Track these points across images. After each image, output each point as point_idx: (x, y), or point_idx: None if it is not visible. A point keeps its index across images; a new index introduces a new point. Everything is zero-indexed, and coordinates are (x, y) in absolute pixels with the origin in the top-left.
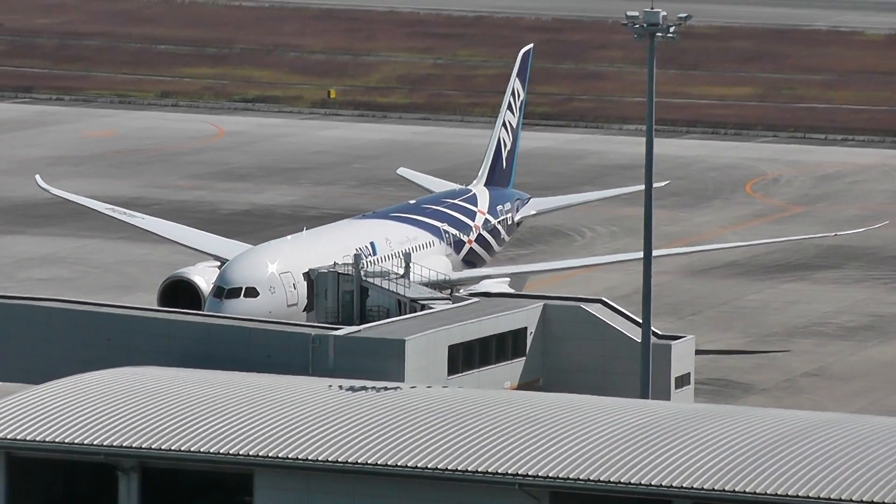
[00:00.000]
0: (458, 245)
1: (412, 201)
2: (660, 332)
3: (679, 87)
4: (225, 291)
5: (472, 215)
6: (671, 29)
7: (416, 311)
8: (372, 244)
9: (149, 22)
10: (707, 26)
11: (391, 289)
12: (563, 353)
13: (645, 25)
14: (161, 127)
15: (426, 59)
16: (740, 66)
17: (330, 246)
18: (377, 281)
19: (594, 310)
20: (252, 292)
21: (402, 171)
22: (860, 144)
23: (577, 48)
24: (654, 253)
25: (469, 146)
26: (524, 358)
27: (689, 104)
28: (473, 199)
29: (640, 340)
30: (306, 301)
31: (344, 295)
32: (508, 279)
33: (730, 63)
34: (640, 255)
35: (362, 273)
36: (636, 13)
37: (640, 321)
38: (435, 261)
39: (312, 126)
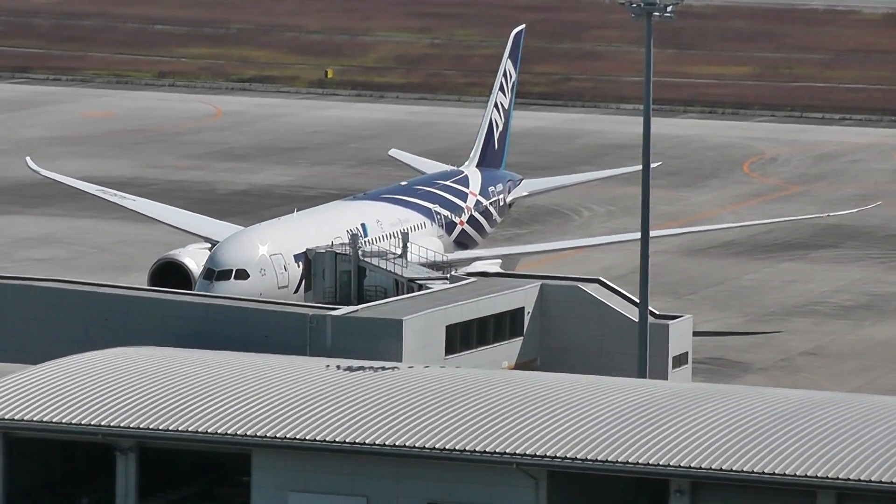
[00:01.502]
0: (449, 226)
1: (403, 183)
2: (657, 312)
3: (676, 66)
4: (215, 273)
5: (463, 197)
6: (668, 8)
7: (413, 291)
8: (363, 226)
9: (146, 2)
10: (704, 5)
11: (389, 269)
12: (561, 333)
13: (642, 5)
14: (158, 107)
15: (423, 39)
16: (738, 45)
17: (321, 227)
18: (375, 261)
19: (591, 289)
20: (242, 274)
21: (393, 152)
22: (858, 123)
23: (574, 28)
24: (634, 236)
25: (466, 126)
26: (521, 338)
27: (686, 83)
28: (465, 181)
29: (637, 320)
30: (297, 283)
31: (341, 275)
32: (500, 260)
33: (727, 42)
34: (632, 236)
35: (360, 253)
36: None
37: (638, 301)
38: (426, 242)
39: (309, 106)
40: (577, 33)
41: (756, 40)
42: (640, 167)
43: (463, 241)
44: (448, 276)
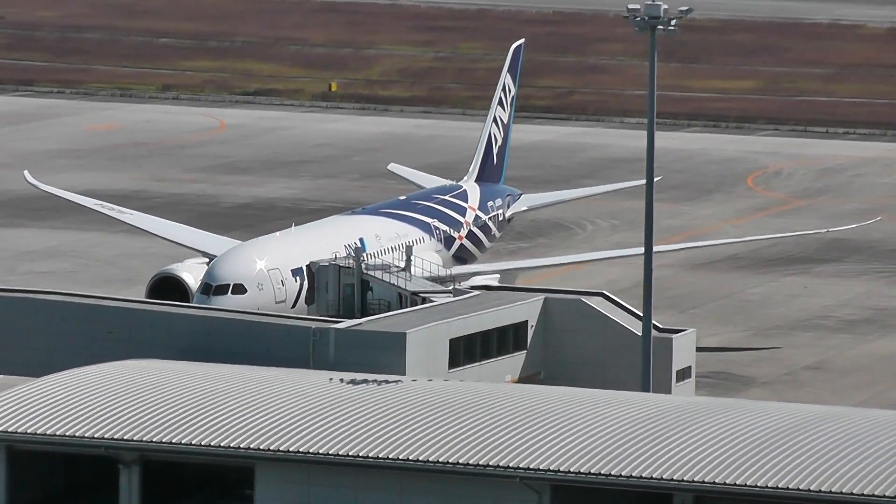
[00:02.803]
0: (448, 241)
1: (402, 197)
2: (661, 326)
3: (680, 80)
4: (212, 288)
5: (462, 211)
6: (672, 22)
7: (417, 305)
8: (361, 240)
9: (150, 15)
10: (708, 19)
11: (392, 282)
12: (564, 347)
13: (646, 18)
14: (162, 120)
15: (427, 53)
16: (742, 59)
17: (318, 242)
18: (378, 274)
19: (595, 303)
20: (240, 289)
21: (392, 166)
22: (861, 138)
23: (578, 41)
24: (635, 251)
25: (470, 139)
26: (525, 351)
27: (690, 97)
28: (464, 196)
29: (640, 334)
30: (294, 298)
31: (345, 288)
32: (498, 275)
33: (731, 56)
34: (635, 251)
35: (363, 266)
36: (637, 6)
37: (641, 314)
38: (425, 257)
39: (313, 119)
40: (580, 47)
41: (760, 54)
42: (639, 182)
43: (461, 256)
44: (451, 289)
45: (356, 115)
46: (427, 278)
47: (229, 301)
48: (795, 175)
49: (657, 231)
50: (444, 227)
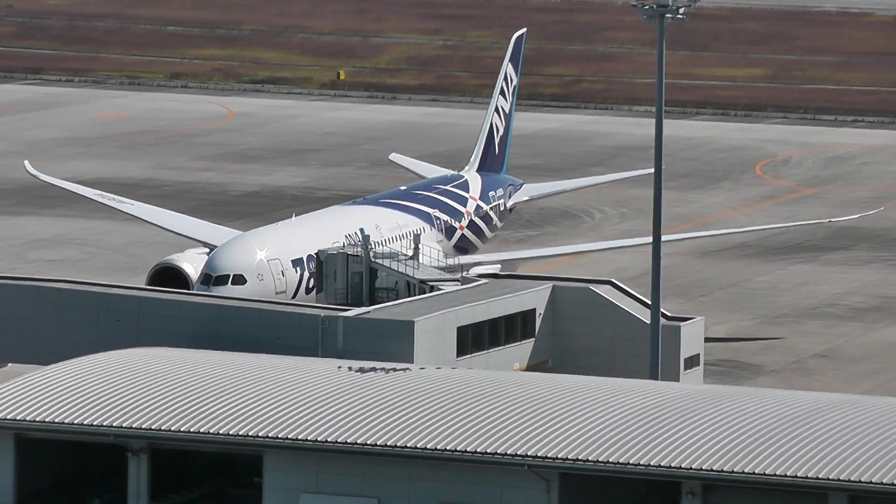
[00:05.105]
0: (449, 231)
1: (403, 187)
2: (669, 314)
3: (689, 68)
4: (213, 279)
5: (463, 201)
6: (681, 10)
7: (425, 293)
8: (362, 230)
9: (158, 3)
10: (717, 7)
11: (400, 270)
12: (573, 335)
13: (654, 6)
14: (171, 108)
15: (435, 41)
16: (750, 47)
17: (319, 232)
18: (386, 262)
19: (603, 291)
20: (240, 279)
21: (394, 156)
22: (870, 126)
23: (586, 29)
24: (643, 240)
25: (478, 128)
26: (533, 339)
27: (698, 85)
28: (465, 185)
29: (649, 322)
30: (295, 288)
31: (353, 276)
32: (499, 265)
33: (740, 44)
34: (643, 240)
35: (371, 254)
36: None
37: (650, 302)
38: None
39: (322, 107)
40: (589, 35)
41: (768, 42)
42: (646, 171)
43: (463, 246)
44: (459, 277)
45: (364, 104)
46: (435, 266)
47: (229, 292)
48: (804, 163)
49: (666, 219)
50: (445, 216)
